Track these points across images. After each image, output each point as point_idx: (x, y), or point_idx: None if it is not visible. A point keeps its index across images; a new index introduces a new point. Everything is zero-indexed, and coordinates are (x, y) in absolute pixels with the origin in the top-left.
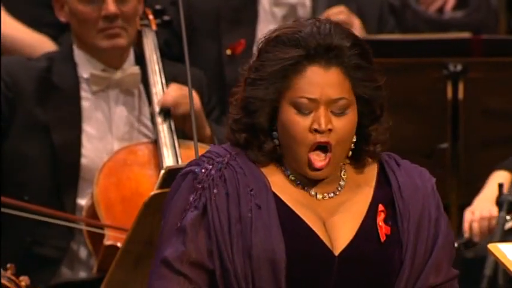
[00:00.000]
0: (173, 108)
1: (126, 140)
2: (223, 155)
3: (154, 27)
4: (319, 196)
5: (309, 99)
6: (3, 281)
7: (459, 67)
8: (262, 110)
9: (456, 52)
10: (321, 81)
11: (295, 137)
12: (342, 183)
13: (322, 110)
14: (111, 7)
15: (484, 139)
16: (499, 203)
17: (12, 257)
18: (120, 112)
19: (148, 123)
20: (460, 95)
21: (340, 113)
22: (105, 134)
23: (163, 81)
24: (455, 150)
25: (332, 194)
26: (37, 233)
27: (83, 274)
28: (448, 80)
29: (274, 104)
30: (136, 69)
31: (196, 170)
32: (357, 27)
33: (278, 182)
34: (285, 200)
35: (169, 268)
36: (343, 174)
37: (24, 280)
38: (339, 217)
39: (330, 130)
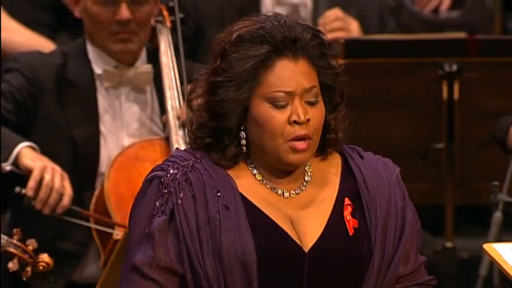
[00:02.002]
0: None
1: (137, 137)
2: (187, 158)
3: (168, 24)
4: (286, 194)
5: (286, 92)
6: (10, 249)
7: (454, 67)
8: (233, 111)
9: (451, 52)
10: (292, 73)
11: (273, 131)
12: (307, 178)
13: (297, 102)
14: (125, 13)
15: (479, 139)
16: (494, 202)
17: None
18: (131, 109)
19: (159, 121)
20: (456, 95)
21: (314, 102)
22: (117, 131)
23: (178, 82)
24: (450, 150)
25: (298, 191)
26: (59, 227)
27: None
28: (443, 80)
29: (246, 103)
30: (149, 68)
31: (161, 175)
32: (355, 30)
33: (244, 183)
34: (252, 200)
35: (139, 274)
36: (308, 169)
37: (31, 244)
38: (306, 213)
39: (308, 120)
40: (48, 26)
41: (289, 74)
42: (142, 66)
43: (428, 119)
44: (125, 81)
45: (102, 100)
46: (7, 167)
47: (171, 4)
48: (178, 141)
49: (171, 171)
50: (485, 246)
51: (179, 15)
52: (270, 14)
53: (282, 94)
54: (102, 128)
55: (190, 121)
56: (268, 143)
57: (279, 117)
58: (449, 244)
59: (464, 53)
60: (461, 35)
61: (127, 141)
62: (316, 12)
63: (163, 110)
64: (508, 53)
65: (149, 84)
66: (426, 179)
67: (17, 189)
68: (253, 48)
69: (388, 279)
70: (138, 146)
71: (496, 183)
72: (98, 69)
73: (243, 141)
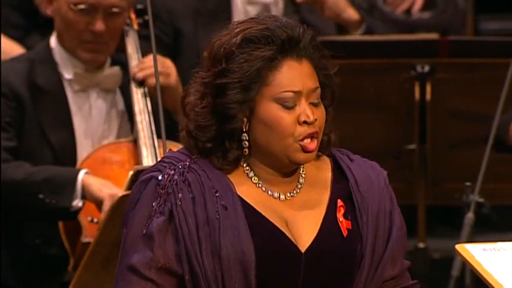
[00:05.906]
0: (147, 79)
1: (105, 139)
2: (183, 159)
3: (136, 26)
4: (282, 197)
5: (294, 92)
6: None
7: (426, 68)
8: (241, 113)
9: (423, 53)
10: (298, 74)
11: (283, 132)
12: (301, 180)
13: (304, 102)
14: (100, 25)
15: (451, 140)
16: (466, 203)
17: (22, 261)
18: (100, 111)
19: (128, 123)
20: (428, 95)
21: (317, 103)
22: (87, 134)
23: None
24: (422, 151)
25: (293, 193)
26: (45, 233)
27: None
28: (415, 81)
29: (251, 104)
30: (117, 70)
31: (158, 176)
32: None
33: (241, 185)
34: (249, 202)
35: (137, 275)
36: (302, 171)
37: None
38: (301, 215)
39: (315, 120)
40: (19, 27)
41: (296, 74)
42: (111, 69)
43: (400, 119)
44: (94, 84)
45: (72, 103)
46: (79, 203)
47: (139, 6)
48: (146, 143)
49: (169, 172)
50: (457, 246)
51: (146, 18)
52: (266, 15)
53: (290, 94)
54: (75, 131)
55: (187, 126)
56: (276, 144)
57: (288, 118)
58: (421, 244)
59: (436, 53)
60: (434, 36)
61: (96, 144)
62: (287, 11)
63: (130, 111)
64: (479, 54)
65: (117, 86)
66: (398, 180)
67: None
68: (260, 49)
69: (375, 281)
70: (105, 148)
71: (468, 184)
72: (66, 74)
73: (246, 143)
